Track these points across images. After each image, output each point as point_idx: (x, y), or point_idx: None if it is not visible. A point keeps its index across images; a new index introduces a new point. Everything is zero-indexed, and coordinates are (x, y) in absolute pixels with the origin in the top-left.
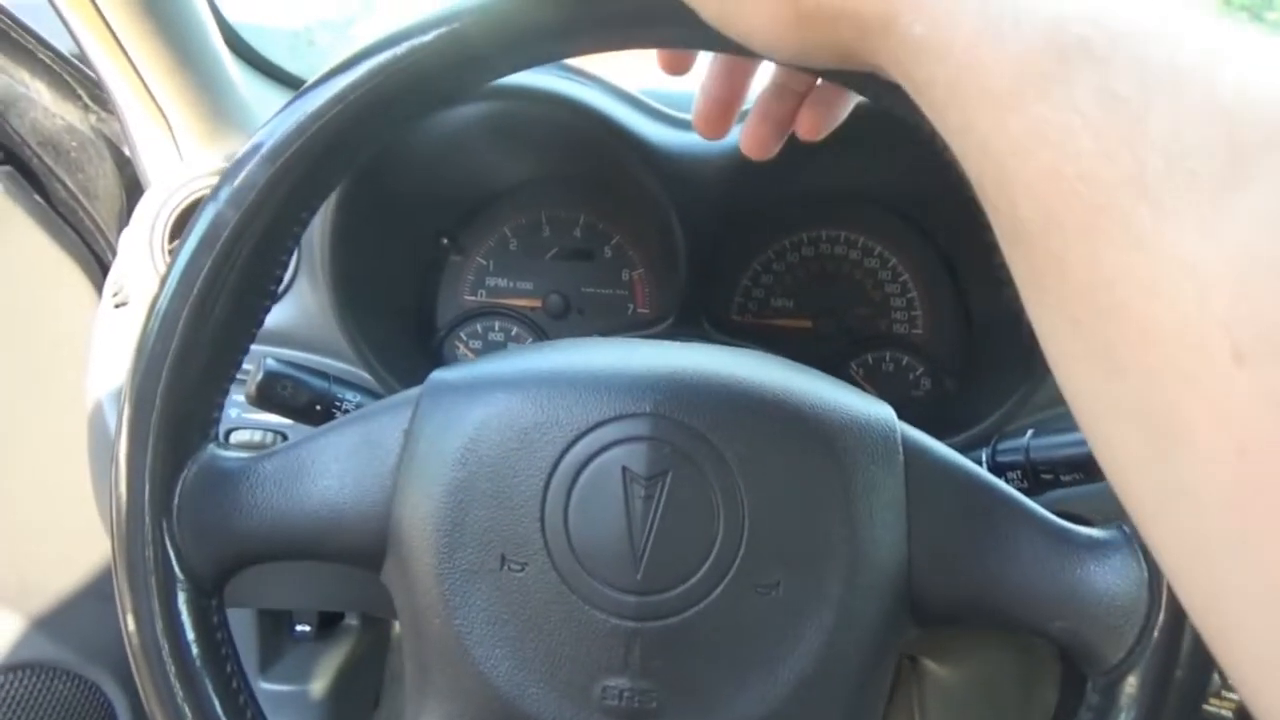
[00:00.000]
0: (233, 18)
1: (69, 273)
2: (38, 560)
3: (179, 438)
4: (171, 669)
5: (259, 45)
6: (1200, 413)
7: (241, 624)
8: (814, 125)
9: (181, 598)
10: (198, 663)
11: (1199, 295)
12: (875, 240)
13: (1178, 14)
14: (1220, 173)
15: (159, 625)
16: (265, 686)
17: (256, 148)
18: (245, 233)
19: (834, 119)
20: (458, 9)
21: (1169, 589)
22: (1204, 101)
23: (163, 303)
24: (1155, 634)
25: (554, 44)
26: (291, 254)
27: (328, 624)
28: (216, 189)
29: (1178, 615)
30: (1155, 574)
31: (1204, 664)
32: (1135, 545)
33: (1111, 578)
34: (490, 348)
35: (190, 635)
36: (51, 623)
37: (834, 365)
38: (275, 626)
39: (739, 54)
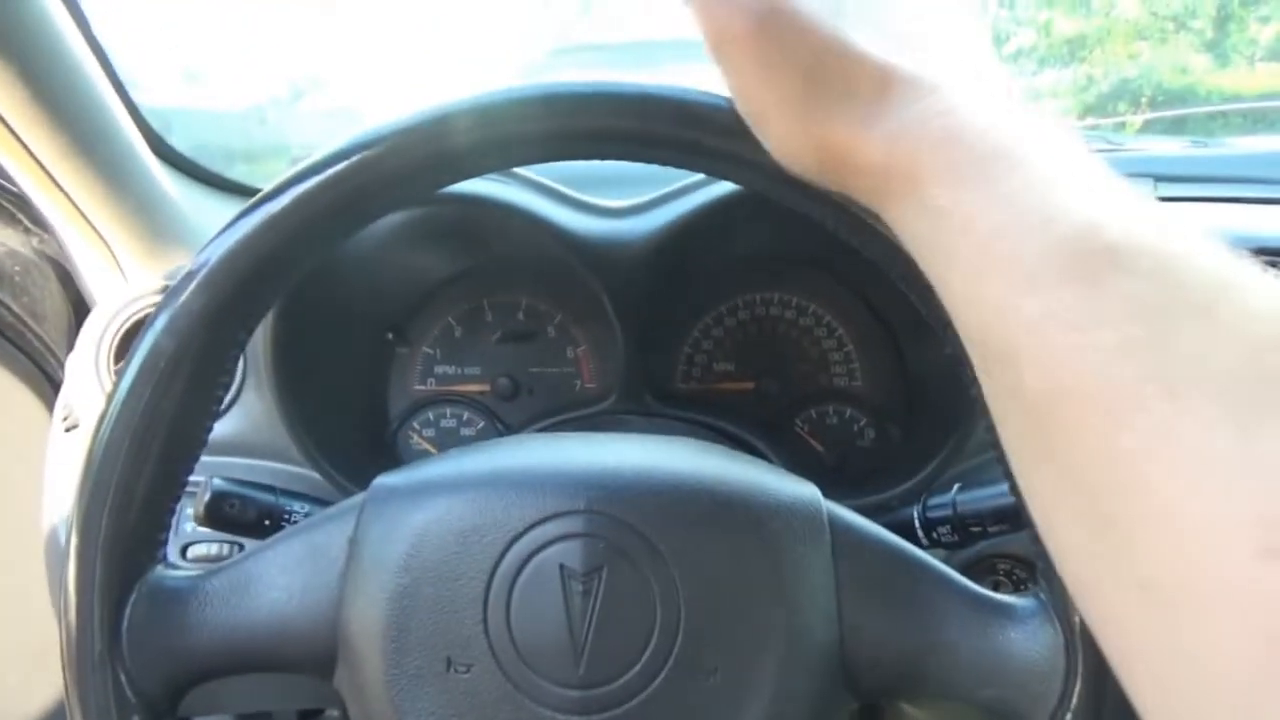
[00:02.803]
0: (181, 103)
1: (20, 396)
2: (6, 684)
3: (126, 562)
4: None
5: (210, 127)
6: (1221, 598)
7: None
8: None
9: None
10: None
11: (1226, 489)
12: (808, 299)
13: (1196, 238)
14: (1251, 394)
15: None
16: None
17: (191, 275)
18: (183, 360)
19: None
20: (381, 132)
21: (1084, 654)
22: (1232, 326)
23: (105, 431)
24: (1075, 699)
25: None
26: (232, 375)
27: (308, 718)
28: (153, 317)
29: (1095, 679)
30: (1071, 640)
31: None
32: (1050, 612)
33: (1031, 644)
34: (443, 435)
35: None
36: None
37: (779, 422)
38: None
39: None
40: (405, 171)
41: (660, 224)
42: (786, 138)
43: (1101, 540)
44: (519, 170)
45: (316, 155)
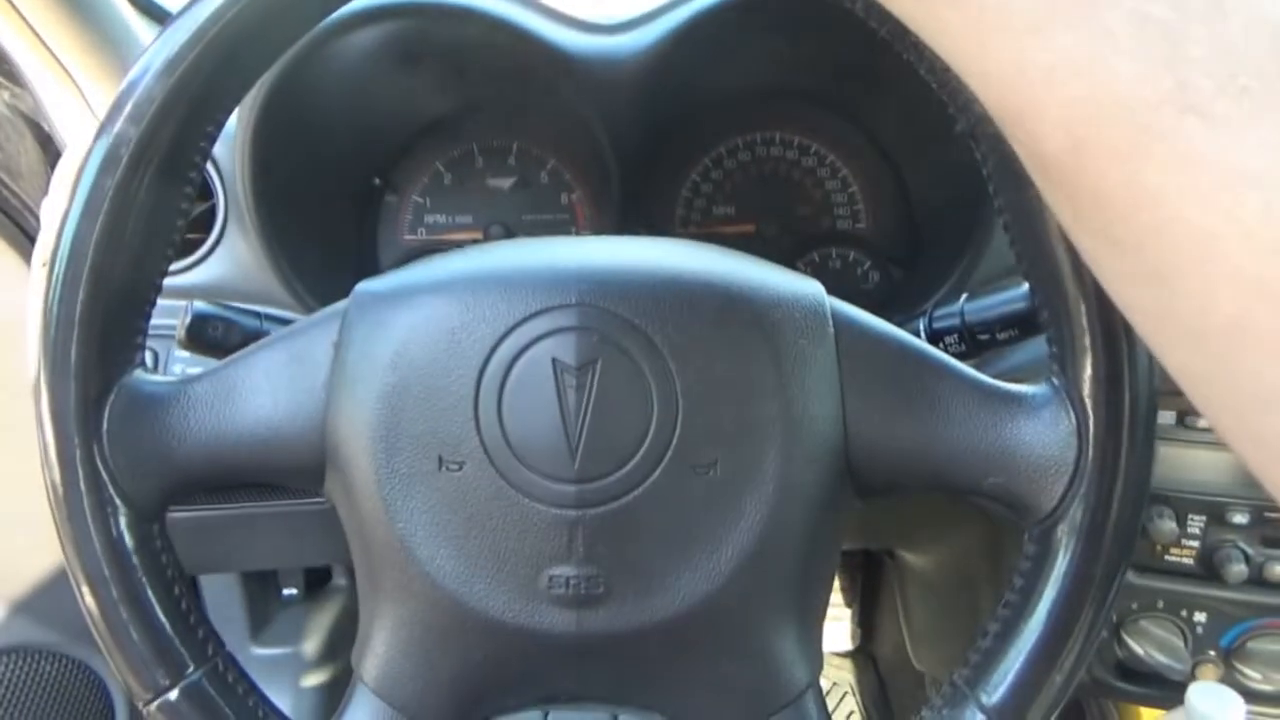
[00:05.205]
0: None
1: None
2: (12, 545)
3: (102, 361)
4: (115, 591)
5: None
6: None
7: (227, 591)
8: None
9: (122, 521)
10: (142, 583)
11: (1265, 203)
12: (811, 139)
13: None
14: (1275, 88)
15: (98, 547)
16: (257, 651)
17: (150, 63)
18: (149, 147)
19: None
20: None
21: (1095, 440)
22: (1248, 19)
23: (70, 224)
24: (1085, 479)
25: None
26: (201, 170)
27: (316, 584)
28: (114, 107)
29: (1107, 460)
30: (1084, 423)
31: (1136, 509)
32: (1064, 397)
33: (1042, 430)
34: None
35: (133, 558)
36: (33, 606)
37: (781, 265)
38: (262, 591)
39: None
40: None
41: (654, 39)
42: None
43: (1166, 299)
44: None
45: None
